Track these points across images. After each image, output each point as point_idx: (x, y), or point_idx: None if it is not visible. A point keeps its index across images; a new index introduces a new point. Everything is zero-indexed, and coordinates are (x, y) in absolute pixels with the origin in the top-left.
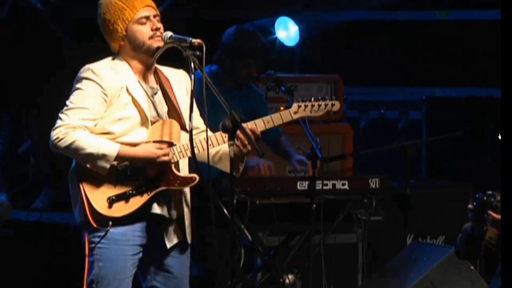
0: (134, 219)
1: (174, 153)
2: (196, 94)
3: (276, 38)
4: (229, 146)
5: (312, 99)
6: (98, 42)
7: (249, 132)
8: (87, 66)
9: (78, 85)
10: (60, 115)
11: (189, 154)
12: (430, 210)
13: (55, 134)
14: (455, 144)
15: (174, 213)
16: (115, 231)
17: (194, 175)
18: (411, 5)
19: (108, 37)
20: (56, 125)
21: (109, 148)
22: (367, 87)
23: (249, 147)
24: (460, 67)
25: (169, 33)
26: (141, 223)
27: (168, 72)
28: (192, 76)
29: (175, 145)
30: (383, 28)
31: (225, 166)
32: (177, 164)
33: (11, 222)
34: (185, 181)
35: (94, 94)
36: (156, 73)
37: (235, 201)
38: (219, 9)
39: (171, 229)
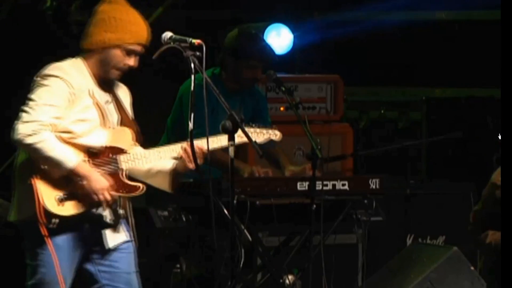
0: (78, 221)
1: (125, 161)
2: (196, 97)
3: None
4: (229, 147)
5: (255, 125)
6: None
7: (197, 149)
8: (55, 64)
9: (46, 82)
10: (27, 109)
11: (137, 164)
12: (430, 210)
13: (23, 128)
14: (455, 144)
15: (118, 215)
16: (58, 238)
17: (140, 184)
18: (411, 5)
19: (92, 32)
20: (24, 119)
21: (68, 160)
22: (367, 87)
23: (191, 165)
24: (460, 67)
25: (169, 34)
26: (85, 225)
27: (117, 84)
28: (192, 76)
29: (127, 153)
30: (384, 28)
31: (158, 182)
32: (126, 172)
33: (11, 222)
34: (131, 189)
35: (62, 93)
36: (110, 83)
37: (235, 201)
38: (216, 9)
39: (113, 230)
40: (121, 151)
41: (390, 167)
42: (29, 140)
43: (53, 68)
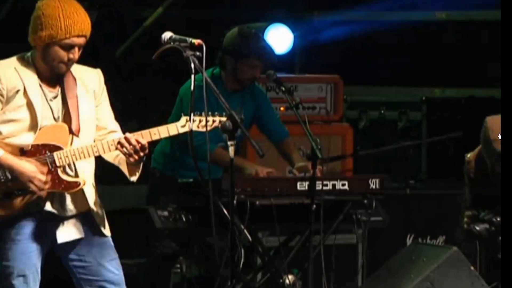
0: (29, 217)
1: (61, 158)
2: (196, 98)
3: None
4: (229, 147)
5: (202, 113)
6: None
7: (135, 142)
8: None
9: None
10: None
11: (74, 159)
12: (430, 211)
13: None
14: (455, 144)
15: (70, 210)
16: (13, 231)
17: (79, 179)
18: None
19: (30, 30)
20: None
21: None
22: (367, 87)
23: (135, 157)
24: (460, 67)
25: (168, 34)
26: (38, 221)
27: (80, 71)
28: (192, 76)
29: (63, 149)
30: (383, 28)
31: (124, 169)
32: (69, 168)
33: None
34: (70, 185)
35: None
36: (61, 75)
37: (235, 201)
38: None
39: (66, 224)
40: (56, 148)
41: (390, 167)
42: None
43: None
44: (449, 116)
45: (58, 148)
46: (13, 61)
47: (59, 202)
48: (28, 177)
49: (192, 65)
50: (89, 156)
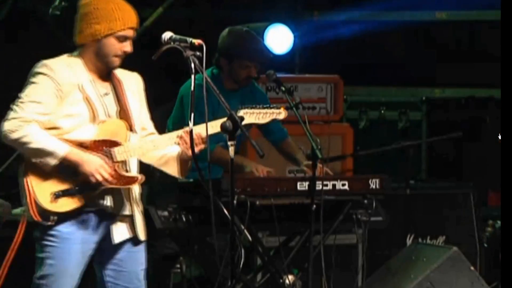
0: (83, 215)
1: (119, 153)
2: (196, 98)
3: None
4: (229, 147)
5: (260, 106)
6: None
7: (195, 136)
8: (43, 61)
9: (33, 80)
10: (14, 107)
11: (133, 155)
12: (430, 211)
13: (7, 125)
14: (455, 144)
15: (123, 209)
16: (64, 230)
17: (137, 175)
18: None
19: (81, 27)
20: (9, 116)
21: (58, 148)
22: (367, 87)
23: (189, 152)
24: (460, 67)
25: (169, 34)
26: (91, 219)
27: (121, 74)
28: (192, 76)
29: (121, 145)
30: (383, 28)
31: (170, 169)
32: (123, 164)
33: (11, 222)
34: (128, 180)
35: (49, 89)
36: (109, 74)
37: (235, 201)
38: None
39: (120, 224)
40: (115, 143)
41: (390, 167)
42: (13, 136)
43: (41, 66)
44: (449, 116)
45: (117, 144)
46: (63, 58)
47: (115, 201)
48: (93, 169)
49: (192, 65)
50: (147, 151)
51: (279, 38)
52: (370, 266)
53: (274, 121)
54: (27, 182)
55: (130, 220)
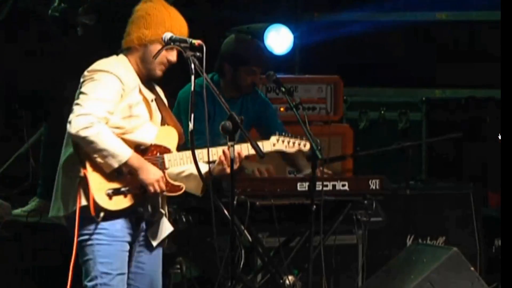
0: (126, 215)
1: (170, 160)
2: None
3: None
4: (228, 148)
5: (289, 135)
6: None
7: (236, 154)
8: (103, 60)
9: (96, 77)
10: (82, 103)
11: (180, 164)
12: (430, 211)
13: (80, 120)
14: (455, 144)
15: (157, 215)
16: (111, 228)
17: (181, 184)
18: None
19: (130, 30)
20: (80, 112)
21: (123, 152)
22: (367, 88)
23: (229, 169)
24: (460, 67)
25: (169, 34)
26: (132, 220)
27: (154, 85)
28: (192, 77)
29: (172, 152)
30: (384, 28)
31: (188, 185)
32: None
33: (11, 222)
34: (174, 188)
35: (114, 88)
36: (150, 82)
37: (235, 202)
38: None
39: (155, 229)
40: (166, 150)
41: (390, 167)
42: (84, 133)
43: (103, 64)
44: (449, 117)
45: (168, 151)
46: (117, 60)
47: (153, 206)
48: (153, 180)
49: (192, 66)
50: (192, 162)
51: (279, 39)
52: (370, 266)
53: (298, 151)
54: (87, 176)
55: (160, 223)
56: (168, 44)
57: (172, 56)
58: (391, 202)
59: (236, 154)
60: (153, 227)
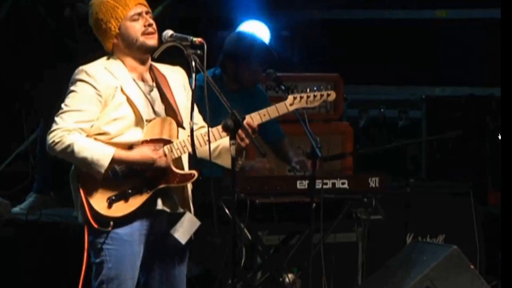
0: (139, 217)
1: (172, 151)
2: (197, 98)
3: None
4: (230, 146)
5: (308, 90)
6: (97, 41)
7: (246, 126)
8: (81, 67)
9: (72, 88)
10: (56, 118)
11: (187, 151)
12: (430, 209)
13: (50, 137)
14: (455, 143)
15: (179, 209)
16: (121, 232)
17: (193, 171)
18: (411, 4)
19: (101, 37)
20: (52, 128)
21: (103, 153)
22: (367, 86)
23: (247, 141)
24: (460, 66)
25: (169, 32)
26: (147, 221)
27: (164, 69)
28: (193, 75)
29: (173, 142)
30: (383, 27)
31: (225, 161)
32: (176, 161)
33: (11, 222)
34: (184, 178)
35: (89, 96)
36: (152, 70)
37: (235, 200)
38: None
39: (180, 225)
40: (166, 141)
41: (390, 165)
42: (58, 148)
43: (79, 72)
44: (449, 115)
45: (168, 142)
46: (101, 62)
47: (170, 202)
48: (151, 155)
49: (193, 64)
50: (200, 146)
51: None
52: (370, 264)
53: (325, 103)
54: (81, 190)
55: (184, 218)
56: (168, 42)
57: (146, 20)
58: (391, 200)
59: (245, 125)
60: (177, 225)
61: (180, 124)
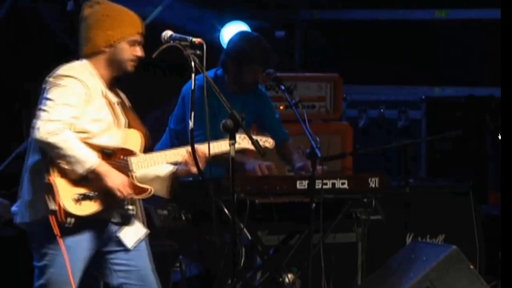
0: (89, 225)
1: (135, 163)
2: (197, 98)
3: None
4: (230, 146)
5: (252, 133)
6: None
7: (201, 153)
8: (68, 65)
9: (62, 82)
10: (47, 108)
11: (146, 166)
12: (430, 209)
13: (46, 127)
14: (455, 143)
15: (128, 215)
16: (69, 238)
17: (149, 187)
18: (411, 4)
19: (92, 35)
20: (46, 117)
21: (90, 159)
22: (366, 86)
23: (194, 169)
24: (459, 66)
25: (169, 32)
26: (96, 226)
27: (118, 89)
28: (193, 75)
29: (137, 155)
30: (383, 27)
31: (154, 188)
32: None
33: (11, 222)
34: (141, 190)
35: (79, 93)
36: (114, 86)
37: (235, 200)
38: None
39: (128, 231)
40: (131, 153)
41: (390, 166)
42: (52, 139)
43: (67, 69)
44: (449, 115)
45: (133, 154)
46: (81, 64)
47: (121, 208)
48: (119, 185)
49: (193, 64)
50: (159, 163)
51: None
52: (370, 264)
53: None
54: (53, 181)
55: (133, 225)
56: (168, 42)
57: (138, 51)
58: (391, 200)
59: (199, 153)
60: (125, 229)
61: (145, 141)
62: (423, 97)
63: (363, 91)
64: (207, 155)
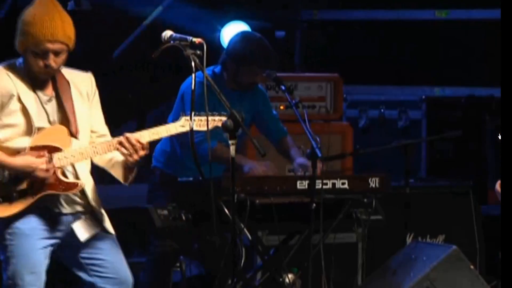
0: (36, 214)
1: (60, 159)
2: (197, 94)
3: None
4: (230, 146)
5: (201, 113)
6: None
7: (134, 142)
8: None
9: None
10: None
11: (72, 161)
12: (430, 210)
13: None
14: (455, 143)
15: (79, 208)
16: (22, 227)
17: (77, 181)
18: (411, 4)
19: (16, 36)
20: None
21: None
22: (366, 86)
23: (135, 157)
24: (459, 66)
25: (169, 32)
26: (47, 219)
27: (71, 75)
28: (193, 75)
29: (61, 150)
30: (383, 27)
31: (117, 173)
32: (71, 169)
33: None
34: (69, 186)
35: None
36: (54, 79)
37: (235, 200)
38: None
39: (81, 223)
40: (56, 149)
41: (390, 166)
42: None
43: None
44: (449, 115)
45: (57, 150)
46: (4, 67)
47: (66, 203)
48: (30, 168)
49: (193, 64)
50: (89, 157)
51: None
52: (370, 264)
53: (218, 127)
54: None
55: (91, 216)
56: (168, 42)
57: (49, 60)
58: (391, 200)
59: (134, 141)
60: (79, 222)
61: (73, 134)
62: (423, 97)
63: (363, 91)
64: (143, 143)
